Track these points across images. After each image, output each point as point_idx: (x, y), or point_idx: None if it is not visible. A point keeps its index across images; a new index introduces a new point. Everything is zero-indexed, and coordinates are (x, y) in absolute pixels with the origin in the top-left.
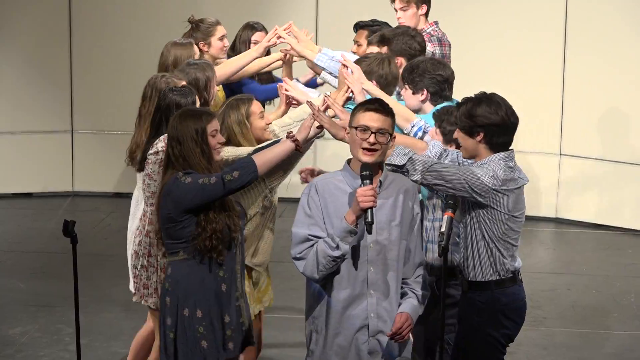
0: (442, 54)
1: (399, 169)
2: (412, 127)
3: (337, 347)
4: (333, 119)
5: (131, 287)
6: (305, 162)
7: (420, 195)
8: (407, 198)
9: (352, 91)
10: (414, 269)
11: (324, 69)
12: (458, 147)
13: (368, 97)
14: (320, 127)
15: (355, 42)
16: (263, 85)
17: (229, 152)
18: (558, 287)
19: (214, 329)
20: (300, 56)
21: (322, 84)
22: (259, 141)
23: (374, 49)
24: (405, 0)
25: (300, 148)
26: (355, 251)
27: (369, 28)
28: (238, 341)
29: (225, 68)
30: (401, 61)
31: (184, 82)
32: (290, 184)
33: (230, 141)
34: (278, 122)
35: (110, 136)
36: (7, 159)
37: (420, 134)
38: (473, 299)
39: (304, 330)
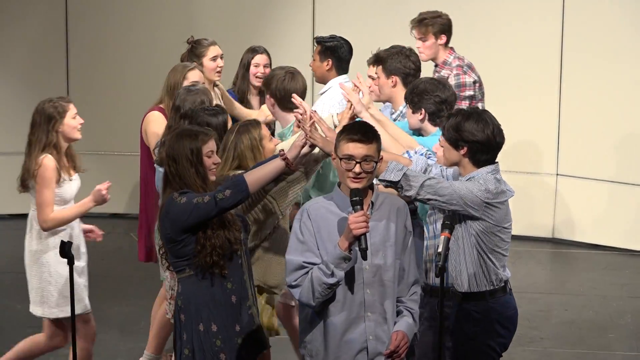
0: (478, 77)
1: (393, 184)
2: (415, 154)
3: None
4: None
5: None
6: None
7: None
8: (399, 217)
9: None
10: (408, 288)
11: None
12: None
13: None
14: (312, 146)
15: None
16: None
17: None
18: (555, 307)
19: (231, 340)
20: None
21: None
22: None
23: (370, 69)
24: (423, 32)
25: (291, 166)
26: (351, 274)
27: (323, 43)
28: (251, 347)
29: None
30: (396, 80)
31: (71, 105)
32: None
33: (241, 166)
34: (285, 144)
35: (108, 157)
36: (3, 180)
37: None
38: (468, 309)
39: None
